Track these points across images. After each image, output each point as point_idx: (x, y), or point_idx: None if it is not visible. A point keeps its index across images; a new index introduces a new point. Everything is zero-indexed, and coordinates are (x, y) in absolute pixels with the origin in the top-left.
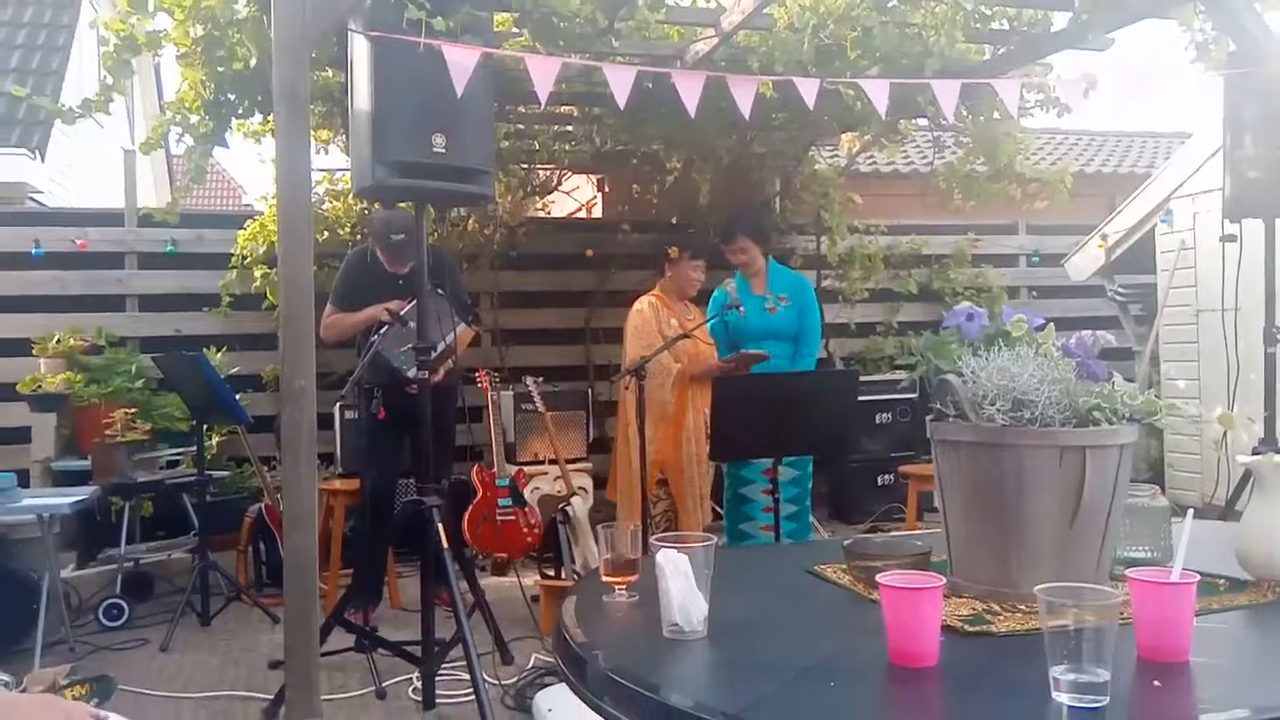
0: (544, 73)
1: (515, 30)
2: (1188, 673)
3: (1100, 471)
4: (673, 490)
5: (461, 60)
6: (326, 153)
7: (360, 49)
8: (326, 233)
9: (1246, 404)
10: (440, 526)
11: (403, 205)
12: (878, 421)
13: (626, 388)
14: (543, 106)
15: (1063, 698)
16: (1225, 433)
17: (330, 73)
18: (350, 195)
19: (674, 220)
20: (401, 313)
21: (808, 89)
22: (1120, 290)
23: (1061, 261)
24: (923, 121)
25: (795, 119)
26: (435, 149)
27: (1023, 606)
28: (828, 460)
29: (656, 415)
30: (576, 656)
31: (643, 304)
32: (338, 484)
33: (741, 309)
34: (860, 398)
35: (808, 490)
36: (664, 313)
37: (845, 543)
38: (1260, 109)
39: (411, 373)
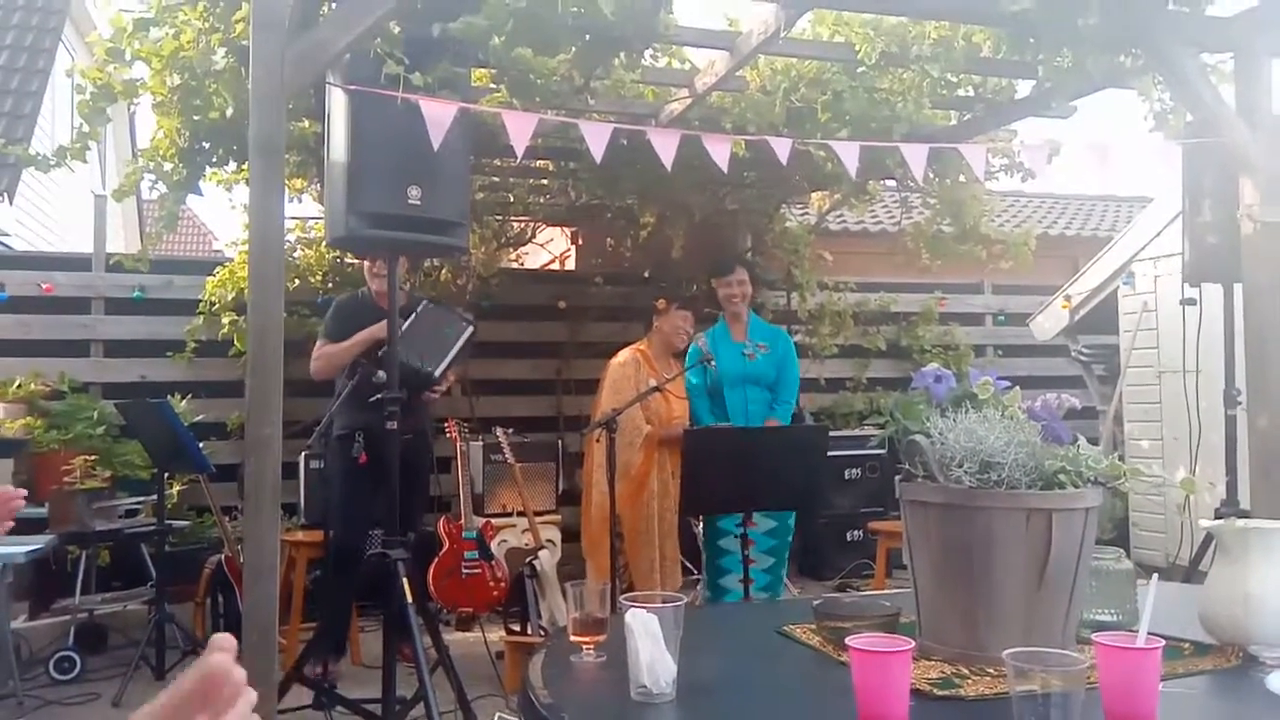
0: (520, 128)
1: (493, 85)
2: None
3: (1066, 534)
4: (626, 548)
5: (438, 114)
6: (300, 201)
7: (338, 102)
8: (297, 280)
9: (1208, 464)
10: (405, 580)
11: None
12: (847, 477)
13: (597, 440)
14: (518, 160)
15: None
16: (1187, 495)
17: (306, 123)
18: (323, 244)
19: (646, 274)
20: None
21: (781, 147)
22: (1084, 350)
23: (1026, 321)
24: (891, 182)
25: (767, 177)
26: (410, 201)
27: (991, 670)
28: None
29: (621, 472)
30: (543, 719)
31: (625, 356)
32: (300, 535)
33: (712, 363)
34: (830, 453)
35: (786, 543)
36: (644, 369)
37: (815, 603)
38: (1217, 177)
39: (436, 370)
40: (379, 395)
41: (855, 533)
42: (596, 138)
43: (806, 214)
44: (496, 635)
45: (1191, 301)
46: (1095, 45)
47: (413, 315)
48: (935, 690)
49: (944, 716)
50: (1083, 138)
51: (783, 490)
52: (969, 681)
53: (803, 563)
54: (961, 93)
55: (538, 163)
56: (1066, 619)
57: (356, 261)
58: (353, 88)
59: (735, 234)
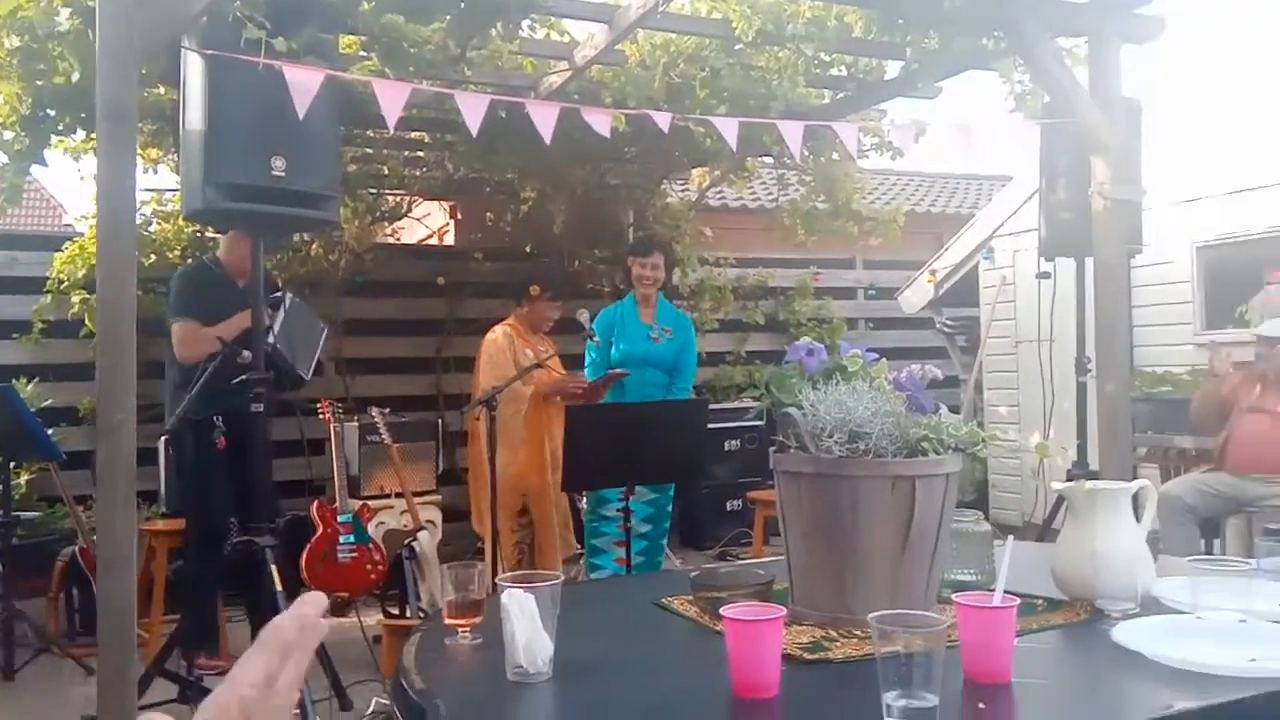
0: (392, 97)
1: (363, 53)
2: (1010, 694)
3: (928, 499)
4: (536, 519)
5: (304, 82)
6: (155, 172)
7: (194, 67)
8: (154, 256)
9: (1061, 429)
10: (274, 568)
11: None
12: (726, 448)
13: (476, 418)
14: (392, 132)
15: None
16: (1041, 459)
17: (162, 89)
18: (180, 217)
19: (528, 249)
20: (270, 324)
21: (662, 120)
22: (947, 322)
23: (895, 295)
24: (769, 159)
25: (648, 152)
26: (274, 172)
27: (859, 632)
28: (681, 487)
29: (514, 442)
30: (415, 705)
31: (497, 333)
32: (160, 524)
33: (596, 339)
34: (710, 425)
35: (666, 514)
36: (519, 342)
37: (691, 575)
38: (1071, 157)
39: (306, 374)
40: (243, 377)
41: (735, 502)
42: (473, 109)
43: (687, 190)
44: (374, 619)
45: (1046, 275)
46: (960, 27)
47: (283, 309)
48: (805, 654)
49: (814, 680)
50: (948, 118)
51: (664, 463)
52: (837, 644)
53: (684, 533)
54: (835, 72)
55: (413, 134)
56: (929, 580)
57: (217, 236)
58: (210, 52)
59: (617, 209)
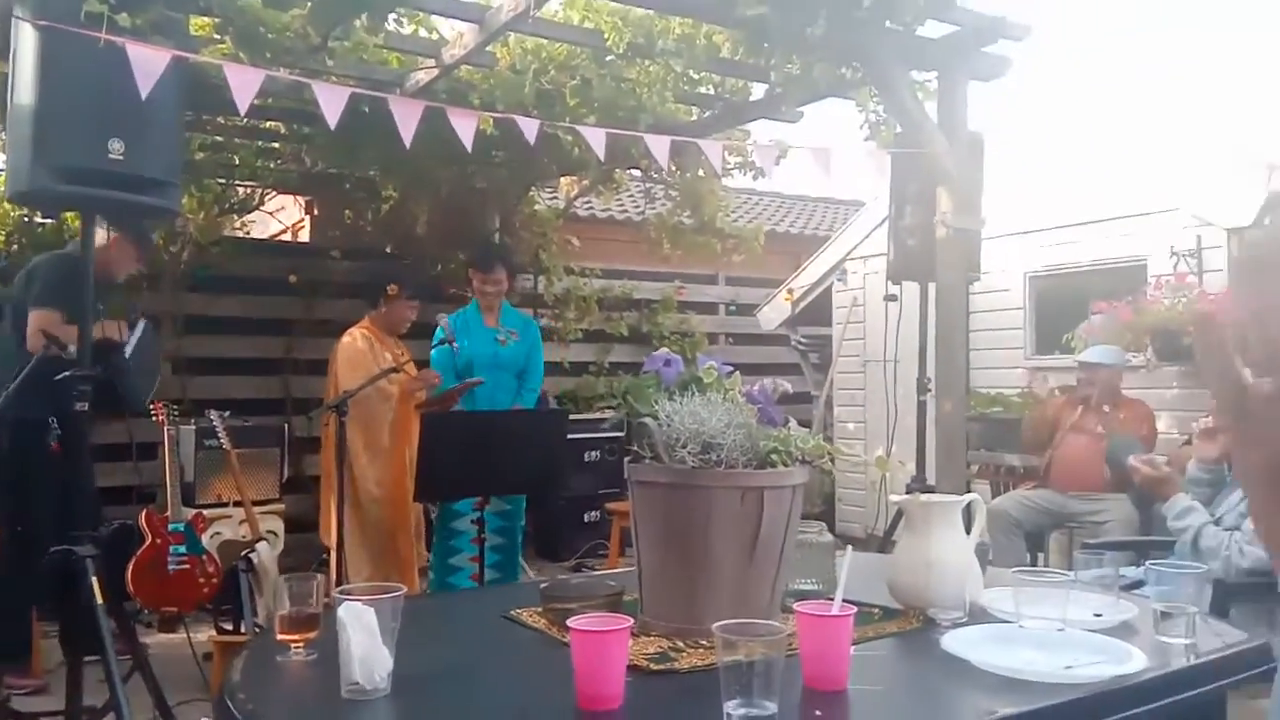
0: (244, 83)
1: (217, 36)
2: (846, 700)
3: (776, 509)
4: (394, 529)
5: (148, 61)
6: None
7: (26, 38)
8: None
9: (903, 445)
10: (95, 579)
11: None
12: (586, 459)
13: (326, 424)
14: (243, 119)
15: None
16: (884, 473)
17: None
18: (5, 199)
19: (389, 249)
20: (125, 341)
21: (529, 127)
22: (802, 340)
23: (754, 311)
24: (637, 172)
25: (516, 158)
26: (111, 155)
27: (705, 642)
28: (537, 499)
29: (379, 448)
30: None
31: (355, 335)
32: None
33: (455, 345)
34: (570, 436)
35: (518, 527)
36: (378, 346)
37: (541, 586)
38: (919, 185)
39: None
40: (67, 374)
41: (593, 513)
42: (332, 101)
43: (555, 198)
44: (206, 635)
45: (893, 298)
46: (820, 55)
47: (138, 329)
48: (652, 665)
49: (659, 690)
50: (808, 142)
51: (522, 474)
52: (684, 655)
53: (540, 545)
54: (703, 90)
55: (268, 124)
56: (774, 589)
57: (48, 221)
58: (45, 23)
59: (483, 214)
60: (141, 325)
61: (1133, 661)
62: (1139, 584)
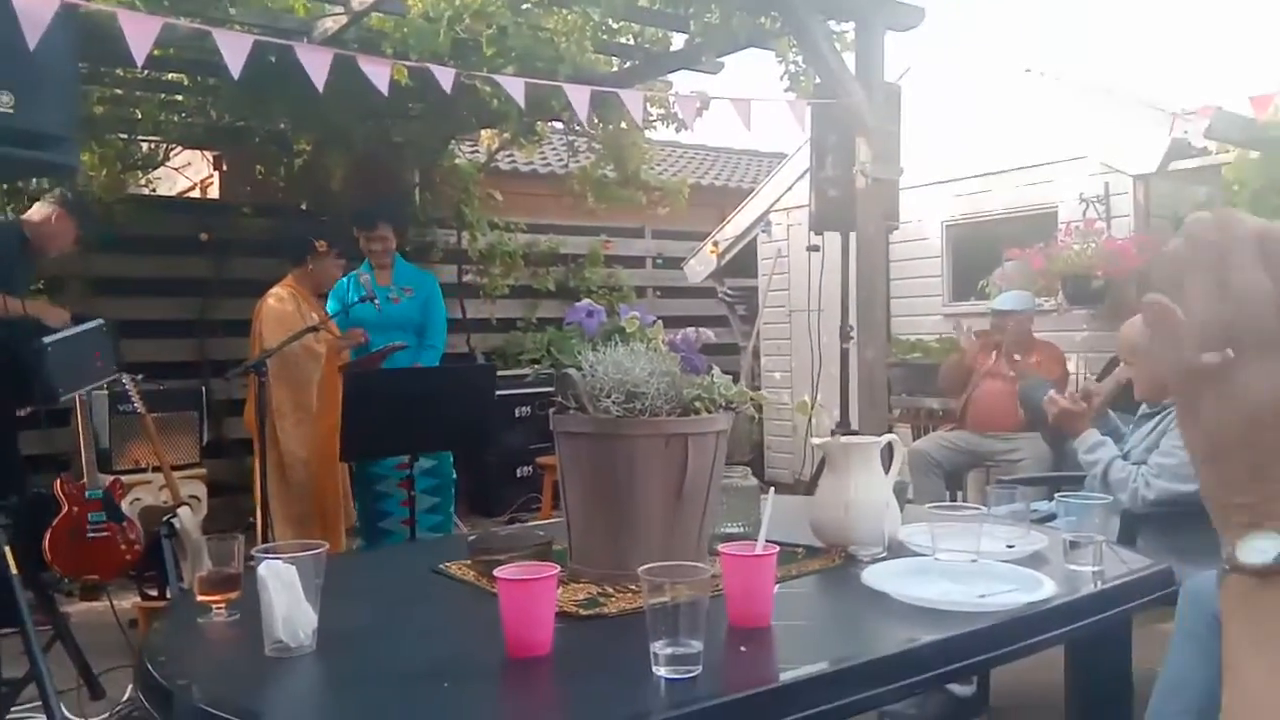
0: (140, 32)
1: None
2: (770, 635)
3: (701, 456)
4: (325, 489)
5: (34, 8)
6: None
7: None
8: None
9: (827, 391)
10: (8, 549)
11: None
12: (518, 415)
13: (249, 385)
14: (141, 70)
15: (661, 671)
16: (809, 418)
17: None
18: None
19: (303, 205)
20: (60, 328)
21: (444, 77)
22: (729, 292)
23: (681, 265)
24: (559, 125)
25: (433, 110)
26: (0, 109)
27: (633, 586)
28: (467, 455)
29: (308, 406)
30: (161, 689)
31: (281, 294)
32: None
33: (376, 301)
34: (500, 392)
35: (450, 481)
36: (304, 305)
37: (470, 538)
38: (839, 136)
39: (61, 399)
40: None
41: (525, 468)
42: (235, 51)
43: (476, 152)
44: (130, 603)
45: (815, 248)
46: (738, 5)
47: (84, 327)
48: (581, 610)
49: (589, 634)
50: (729, 93)
51: (451, 431)
52: (613, 599)
53: (473, 501)
54: (622, 40)
55: (171, 76)
56: (700, 533)
57: None
58: None
59: (401, 168)
60: (91, 324)
61: (1043, 589)
62: (1050, 518)
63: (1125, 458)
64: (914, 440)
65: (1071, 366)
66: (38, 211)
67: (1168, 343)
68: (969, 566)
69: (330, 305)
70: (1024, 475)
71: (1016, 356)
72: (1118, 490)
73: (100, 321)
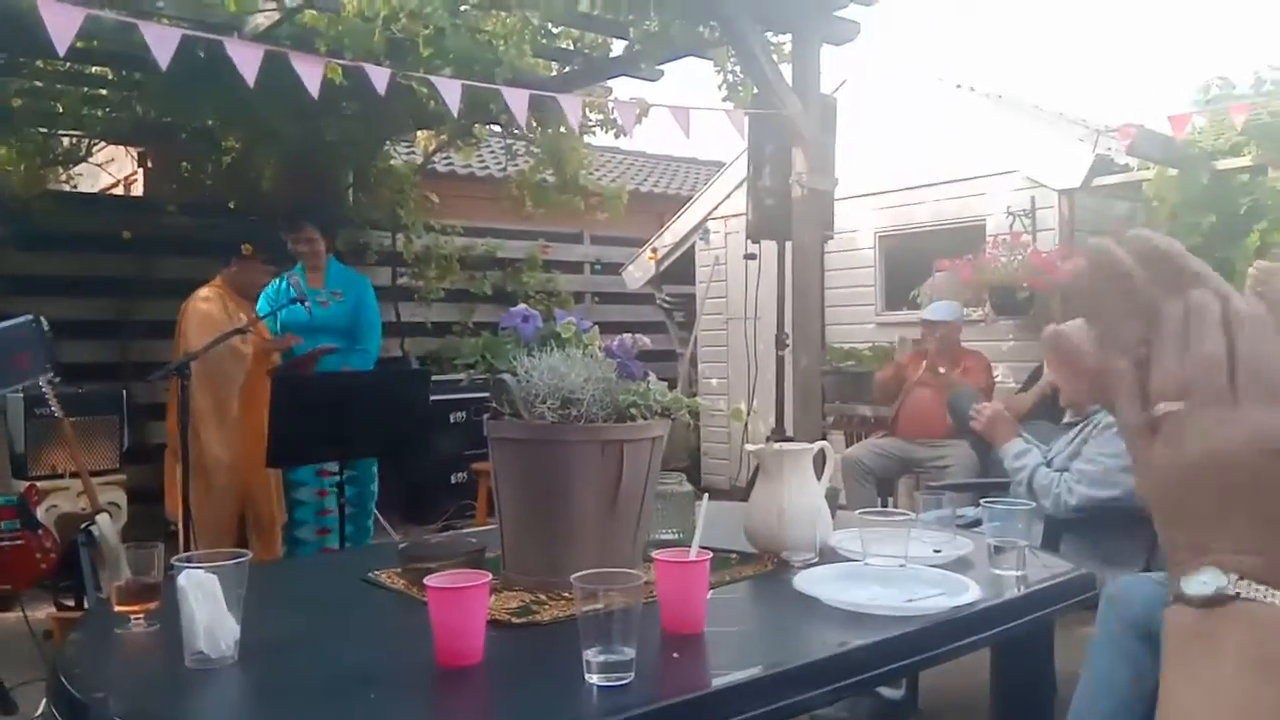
0: (62, 22)
1: None
2: (703, 642)
3: (636, 462)
4: (256, 495)
5: None
6: None
7: None
8: None
9: (763, 398)
10: None
11: None
12: (452, 420)
13: (170, 388)
14: (65, 63)
15: (594, 678)
16: (745, 424)
17: None
18: None
19: (231, 204)
20: None
21: (379, 77)
22: (667, 299)
23: (620, 270)
24: (497, 128)
25: (368, 110)
26: None
27: (567, 594)
28: (400, 461)
29: (224, 412)
30: (76, 702)
31: (209, 294)
32: None
33: (307, 303)
34: (435, 397)
35: (369, 491)
36: (231, 305)
37: (401, 546)
38: (776, 146)
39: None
40: None
41: (460, 474)
42: (163, 44)
43: (413, 153)
44: (45, 613)
45: (752, 256)
46: (678, 13)
47: (8, 323)
48: (514, 619)
49: (521, 642)
50: (668, 101)
51: (382, 436)
52: (546, 607)
53: (407, 508)
54: (562, 45)
55: (94, 69)
56: (635, 539)
57: None
58: None
59: (335, 168)
60: (19, 320)
61: (968, 593)
62: (977, 523)
63: (1048, 465)
64: (847, 447)
65: (998, 375)
66: None
67: (1126, 397)
68: (898, 571)
69: (261, 306)
70: (952, 481)
71: (941, 369)
72: (1041, 496)
73: (30, 317)
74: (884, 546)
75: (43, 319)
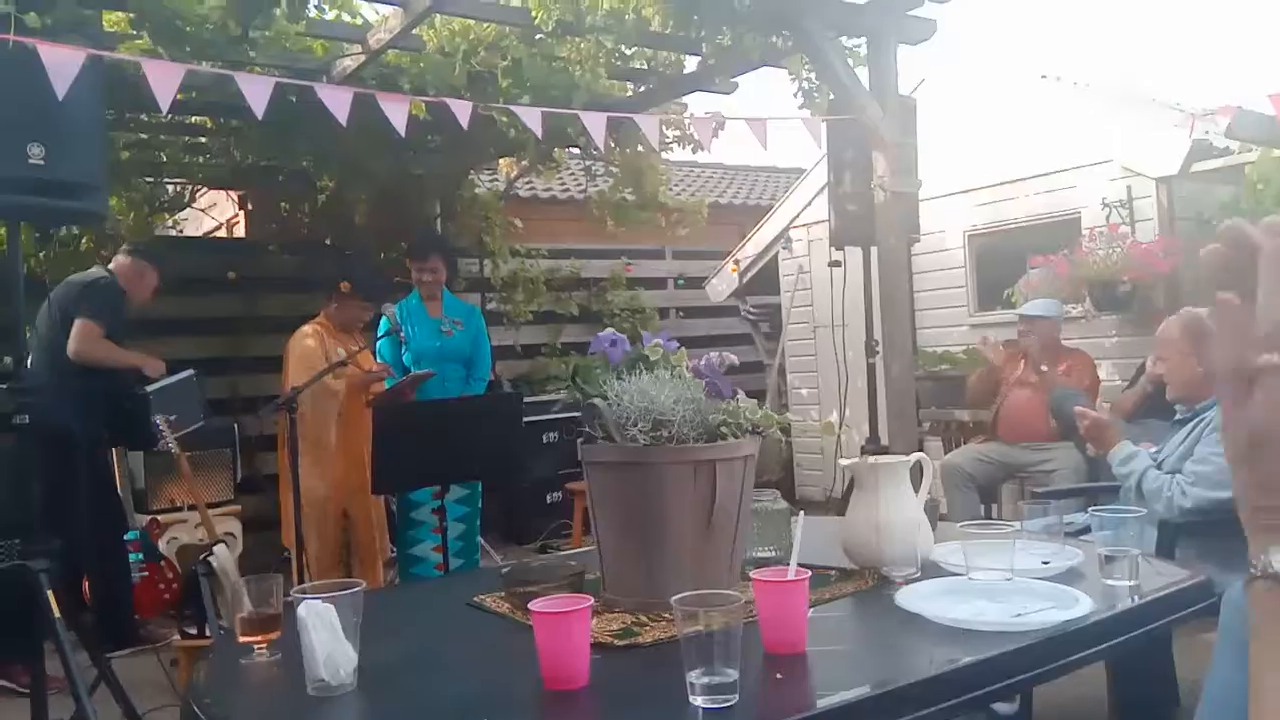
0: (165, 79)
1: (133, 31)
2: (806, 662)
3: (729, 481)
4: (354, 523)
5: (63, 62)
6: None
7: None
8: None
9: (855, 407)
10: (51, 594)
11: None
12: (545, 441)
13: (279, 422)
14: (167, 115)
15: (698, 700)
16: (839, 437)
17: None
18: None
19: (328, 241)
20: (157, 378)
21: (461, 110)
22: (751, 310)
23: (703, 284)
24: (576, 150)
25: (452, 142)
26: (32, 160)
27: (667, 615)
28: (497, 483)
29: (328, 443)
30: None
31: (310, 330)
32: None
33: (402, 334)
34: (527, 419)
35: (477, 510)
36: (330, 341)
37: (503, 570)
38: (855, 151)
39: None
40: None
41: (555, 494)
42: (257, 93)
43: (496, 180)
44: (171, 641)
45: (837, 263)
46: (750, 25)
47: (176, 377)
48: (616, 641)
49: (625, 664)
50: (745, 112)
51: (479, 460)
52: (647, 629)
53: (505, 528)
54: (636, 65)
55: (194, 119)
56: (732, 559)
57: None
58: None
59: (423, 200)
60: (183, 375)
61: (1079, 606)
62: (1087, 530)
63: (1159, 466)
64: (945, 453)
65: (1102, 373)
66: (130, 265)
67: (1229, 340)
68: (1004, 585)
69: (383, 328)
70: (1058, 487)
71: (1044, 367)
72: (1153, 500)
73: (192, 372)
74: (988, 559)
75: (193, 373)
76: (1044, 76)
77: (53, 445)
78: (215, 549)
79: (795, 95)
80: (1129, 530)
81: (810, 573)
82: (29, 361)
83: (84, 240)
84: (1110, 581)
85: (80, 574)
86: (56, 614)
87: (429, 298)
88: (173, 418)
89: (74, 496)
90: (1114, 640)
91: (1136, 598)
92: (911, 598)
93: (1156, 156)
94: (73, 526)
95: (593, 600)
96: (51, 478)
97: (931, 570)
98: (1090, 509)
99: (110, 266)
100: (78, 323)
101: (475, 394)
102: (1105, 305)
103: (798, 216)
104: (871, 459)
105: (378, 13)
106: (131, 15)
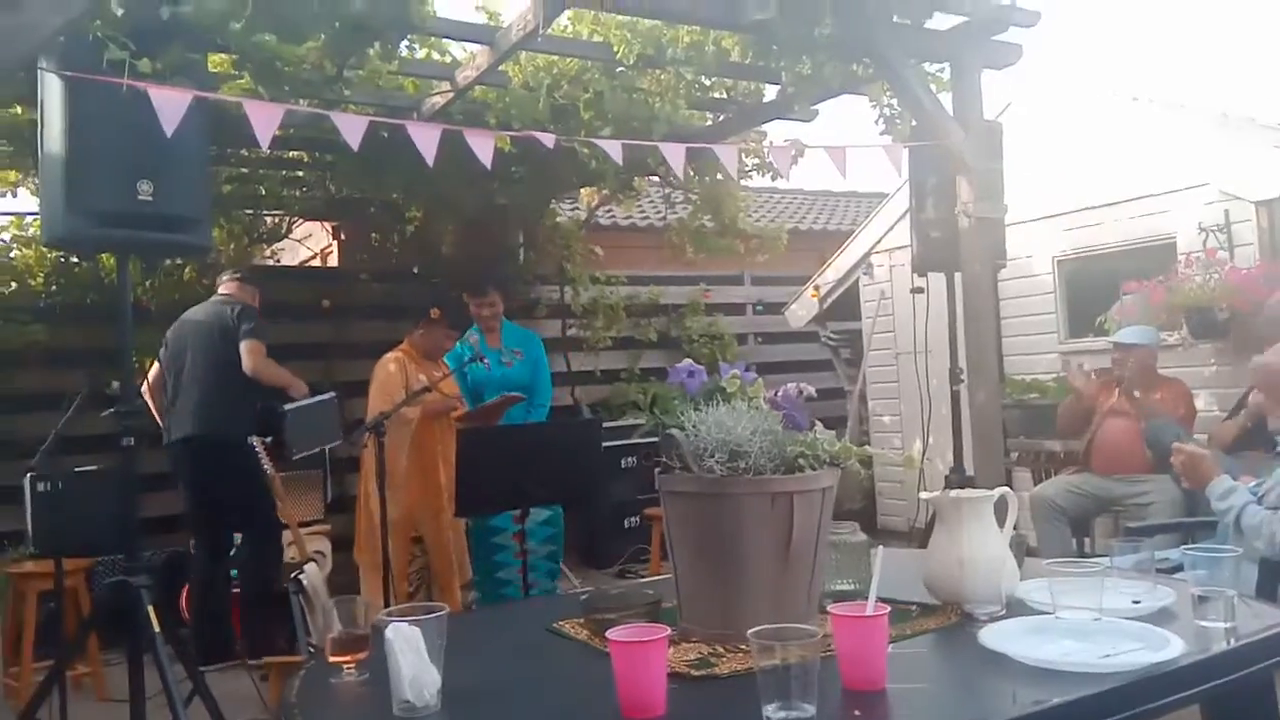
0: (265, 118)
1: (235, 72)
2: (885, 700)
3: (807, 513)
4: (431, 547)
5: (171, 103)
6: (15, 195)
7: (52, 89)
8: (14, 283)
9: (939, 435)
10: (151, 609)
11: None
12: (623, 465)
13: (365, 445)
14: (267, 151)
15: None
16: (920, 470)
17: (19, 109)
18: (42, 244)
19: (416, 270)
20: (299, 398)
21: (546, 141)
22: (832, 336)
23: (782, 310)
24: (655, 179)
25: (535, 173)
26: (141, 196)
27: (744, 647)
28: (576, 507)
29: (401, 469)
30: None
31: (393, 357)
32: (30, 566)
33: (486, 361)
34: (606, 444)
35: (560, 532)
36: (412, 368)
37: (582, 597)
38: (938, 177)
39: (294, 455)
40: (112, 410)
41: (633, 519)
42: (352, 130)
43: (577, 209)
44: (262, 657)
45: (919, 290)
46: (830, 54)
47: (317, 397)
48: (693, 671)
49: (701, 695)
50: (825, 138)
51: (559, 485)
52: (724, 660)
53: (583, 552)
54: (715, 95)
55: (291, 154)
56: (810, 592)
57: (83, 263)
58: (70, 74)
59: (506, 230)
60: (325, 396)
61: (1170, 648)
62: (1180, 568)
63: (1260, 501)
64: (1035, 485)
65: (1199, 403)
66: (247, 289)
67: None
68: (1092, 624)
69: (451, 361)
70: (1154, 521)
71: (1137, 393)
72: (1252, 537)
73: (333, 395)
74: (1076, 598)
75: (334, 395)
76: (1136, 99)
77: (237, 456)
78: (306, 567)
79: (876, 121)
80: (1224, 570)
81: (890, 607)
82: (181, 386)
83: (186, 270)
84: (1204, 623)
85: (178, 588)
86: (156, 628)
87: (488, 330)
88: (268, 440)
89: (264, 501)
90: (1207, 684)
91: (1232, 640)
92: (995, 636)
93: (1257, 179)
94: (265, 527)
95: (669, 630)
96: (238, 486)
97: (1017, 608)
98: (1182, 548)
99: (224, 291)
100: (248, 343)
101: (538, 421)
102: (1202, 333)
103: (879, 242)
104: (954, 493)
105: (466, 50)
106: (234, 57)
